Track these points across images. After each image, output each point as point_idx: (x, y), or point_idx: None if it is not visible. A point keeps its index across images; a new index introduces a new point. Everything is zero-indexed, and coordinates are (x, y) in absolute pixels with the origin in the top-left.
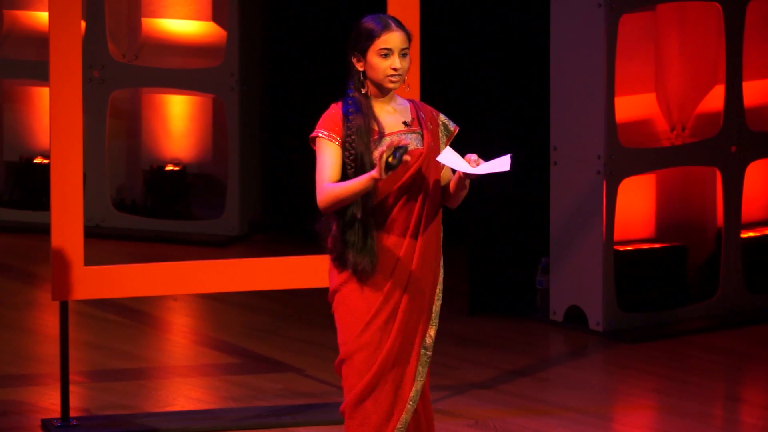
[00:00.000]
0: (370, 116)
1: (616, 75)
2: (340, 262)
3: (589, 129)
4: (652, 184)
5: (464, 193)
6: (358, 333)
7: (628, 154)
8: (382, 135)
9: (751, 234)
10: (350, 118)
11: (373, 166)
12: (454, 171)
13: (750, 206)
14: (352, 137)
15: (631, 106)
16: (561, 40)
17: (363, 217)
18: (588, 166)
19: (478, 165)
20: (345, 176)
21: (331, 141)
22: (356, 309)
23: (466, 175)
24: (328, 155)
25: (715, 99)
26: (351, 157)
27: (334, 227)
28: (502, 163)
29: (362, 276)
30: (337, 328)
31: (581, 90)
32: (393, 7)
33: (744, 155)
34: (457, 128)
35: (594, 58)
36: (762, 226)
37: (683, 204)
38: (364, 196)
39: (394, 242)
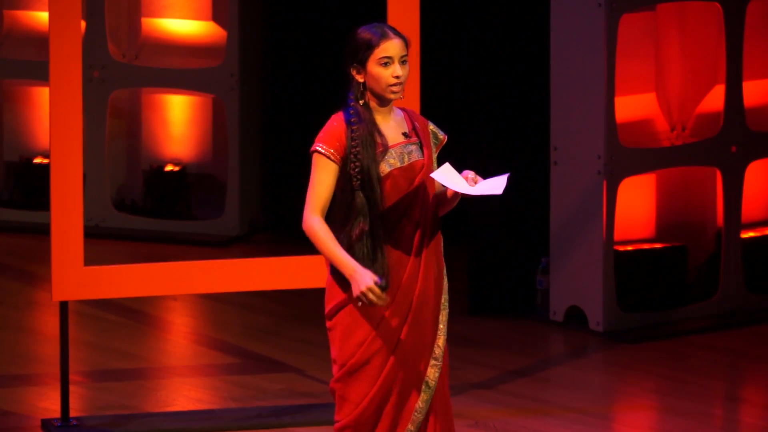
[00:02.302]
0: (373, 127)
1: (616, 75)
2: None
3: (589, 129)
4: (652, 184)
5: (455, 203)
6: (366, 345)
7: (628, 154)
8: (386, 147)
9: (751, 234)
10: (354, 128)
11: (379, 178)
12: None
13: (750, 206)
14: (357, 149)
15: (631, 106)
16: (561, 40)
17: (371, 230)
18: (588, 166)
19: (476, 183)
20: (351, 189)
21: (329, 158)
22: (364, 323)
23: (462, 195)
24: (324, 175)
25: (715, 99)
26: (357, 169)
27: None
28: (497, 184)
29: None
30: (340, 342)
31: (581, 90)
32: (393, 7)
33: (744, 155)
34: (446, 137)
35: (594, 58)
36: (762, 226)
37: (683, 204)
38: (371, 210)
39: (400, 255)
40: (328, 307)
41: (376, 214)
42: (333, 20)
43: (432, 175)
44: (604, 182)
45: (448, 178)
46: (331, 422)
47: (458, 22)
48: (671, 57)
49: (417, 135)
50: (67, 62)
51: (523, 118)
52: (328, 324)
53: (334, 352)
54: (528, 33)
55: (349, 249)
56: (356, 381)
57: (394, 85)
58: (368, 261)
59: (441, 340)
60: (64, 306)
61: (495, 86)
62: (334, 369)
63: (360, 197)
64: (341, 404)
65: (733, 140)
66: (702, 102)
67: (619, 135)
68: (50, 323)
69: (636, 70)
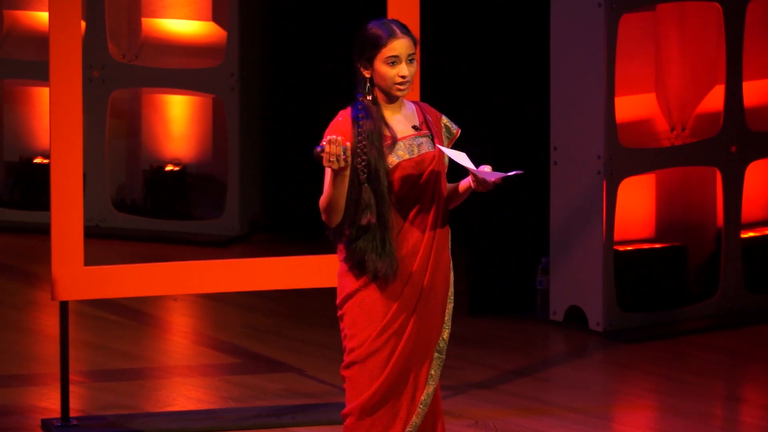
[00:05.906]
0: (380, 121)
1: (616, 75)
2: (358, 270)
3: (589, 129)
4: (652, 184)
5: (465, 197)
6: (374, 336)
7: (628, 154)
8: (395, 140)
9: (751, 234)
10: (360, 123)
11: (386, 171)
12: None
13: (750, 206)
14: (363, 143)
15: (631, 106)
16: (561, 40)
17: (379, 222)
18: (588, 166)
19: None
20: (357, 182)
21: None
22: (373, 312)
23: (471, 172)
24: (330, 172)
25: (715, 99)
26: (363, 164)
27: (346, 233)
28: (506, 172)
29: (382, 281)
30: (349, 331)
31: (581, 90)
32: (393, 7)
33: (744, 155)
34: (459, 130)
35: (594, 58)
36: (762, 226)
37: (683, 204)
38: (379, 202)
39: (411, 247)
40: (339, 297)
41: (384, 206)
42: (333, 20)
43: (440, 146)
44: (604, 182)
45: (459, 158)
46: (331, 422)
47: (458, 22)
48: (671, 57)
49: (428, 128)
50: (67, 62)
51: (523, 118)
52: (339, 312)
53: (343, 340)
54: (528, 33)
55: (358, 240)
56: (363, 370)
57: (400, 83)
58: (378, 252)
59: (446, 333)
60: (64, 306)
61: (495, 86)
62: (345, 355)
63: (367, 190)
64: (348, 391)
65: (732, 140)
66: (702, 102)
67: (619, 135)
68: (50, 323)
69: (636, 70)
